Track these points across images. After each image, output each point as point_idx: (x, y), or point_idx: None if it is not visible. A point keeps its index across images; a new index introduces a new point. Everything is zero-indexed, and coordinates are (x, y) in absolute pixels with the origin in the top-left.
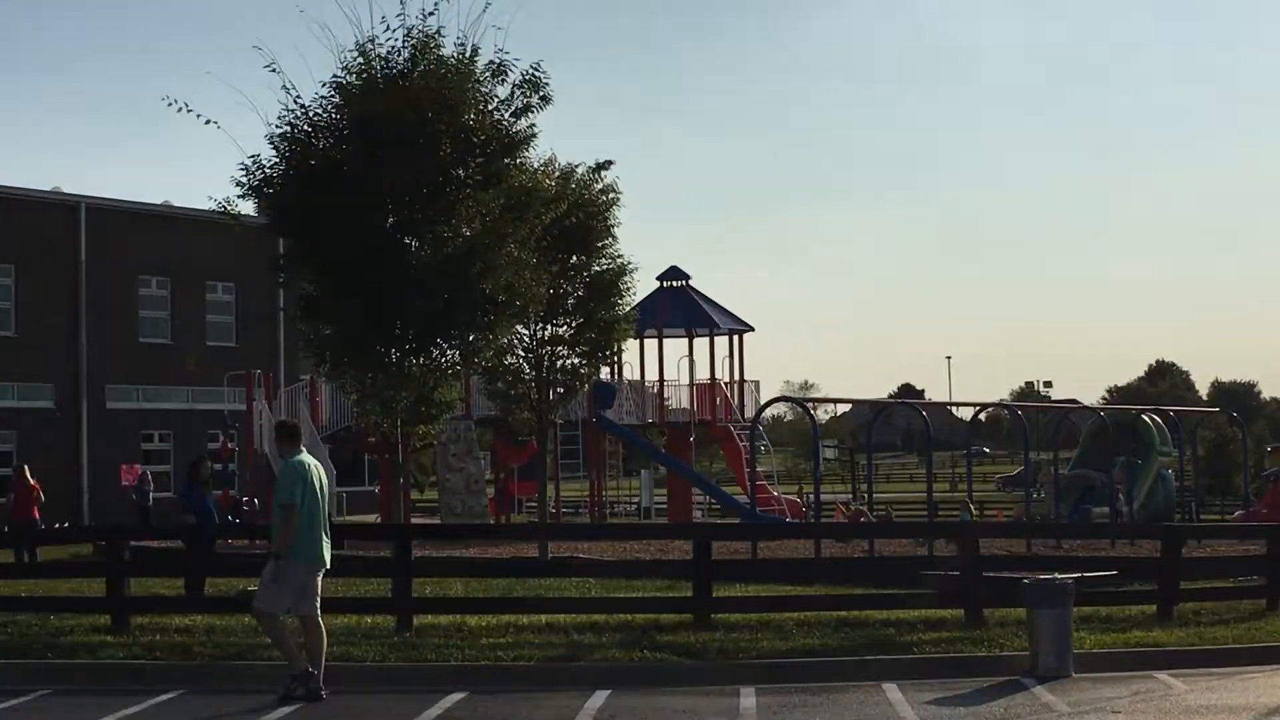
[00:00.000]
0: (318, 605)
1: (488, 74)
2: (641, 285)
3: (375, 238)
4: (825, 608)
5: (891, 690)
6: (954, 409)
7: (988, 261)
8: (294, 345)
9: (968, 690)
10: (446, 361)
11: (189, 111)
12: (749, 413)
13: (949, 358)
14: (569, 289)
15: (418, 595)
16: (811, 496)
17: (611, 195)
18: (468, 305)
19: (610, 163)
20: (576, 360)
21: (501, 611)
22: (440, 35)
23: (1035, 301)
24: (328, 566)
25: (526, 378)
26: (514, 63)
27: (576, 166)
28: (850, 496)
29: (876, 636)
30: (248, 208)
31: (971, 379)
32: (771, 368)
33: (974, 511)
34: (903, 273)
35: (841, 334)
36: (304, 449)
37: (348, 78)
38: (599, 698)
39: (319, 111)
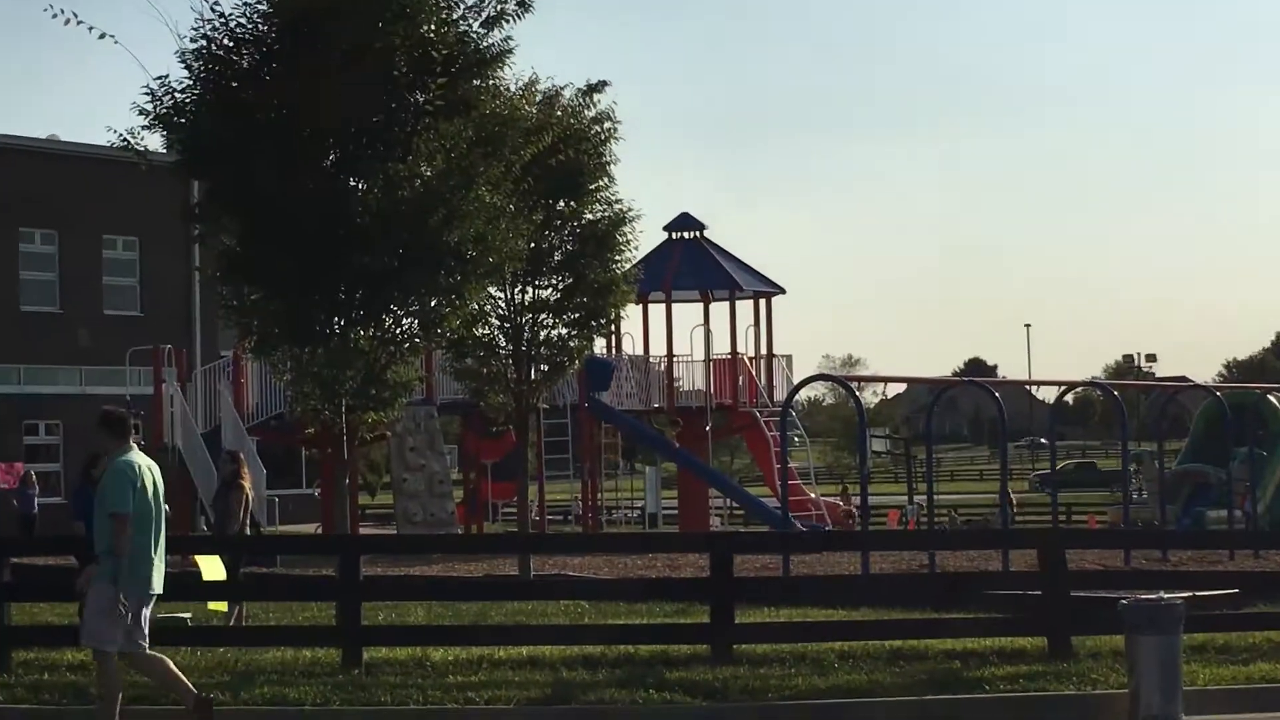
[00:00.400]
0: (145, 641)
1: None
2: (645, 237)
3: (312, 179)
4: (875, 636)
5: None
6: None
7: (1078, 207)
8: (212, 314)
9: None
10: (402, 333)
11: (79, 23)
12: (780, 395)
13: (1028, 326)
14: (555, 242)
15: (368, 623)
16: (857, 499)
17: (607, 125)
18: (428, 262)
19: (605, 84)
20: (564, 331)
21: (472, 643)
22: None
23: (1136, 257)
24: (158, 593)
25: (502, 352)
26: None
27: (563, 89)
28: (906, 499)
29: (938, 671)
30: (154, 142)
31: (1056, 353)
32: (807, 339)
33: (1012, 503)
34: (971, 221)
35: (894, 298)
36: (134, 445)
37: None
38: None
39: (241, 21)
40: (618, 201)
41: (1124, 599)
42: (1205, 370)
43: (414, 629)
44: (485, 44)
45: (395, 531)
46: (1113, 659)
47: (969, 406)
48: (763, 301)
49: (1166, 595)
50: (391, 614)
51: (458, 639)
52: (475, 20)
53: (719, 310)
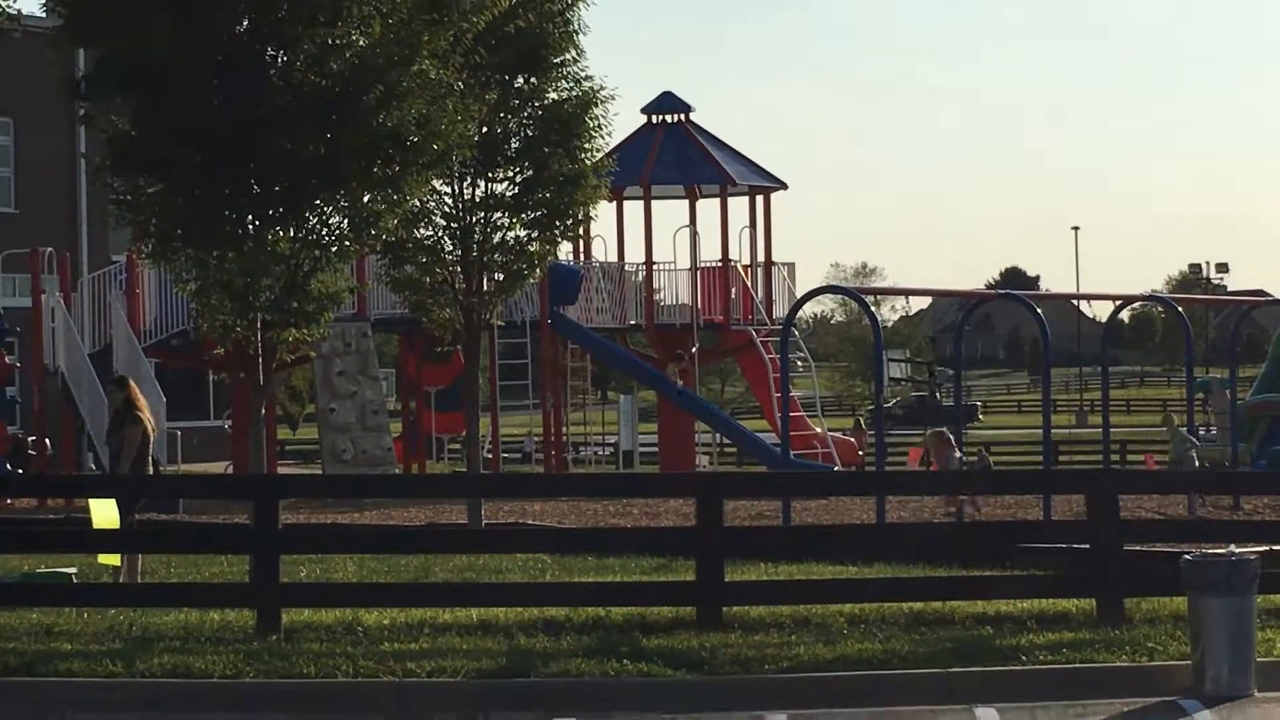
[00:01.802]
0: None
1: None
2: (620, 121)
3: (222, 47)
4: (892, 597)
5: (988, 717)
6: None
7: (1139, 87)
8: (102, 211)
9: (1101, 718)
10: (329, 234)
11: None
12: (780, 311)
13: (1076, 229)
14: (512, 127)
15: (288, 580)
16: (872, 434)
17: None
18: (361, 150)
19: None
20: (523, 233)
21: (413, 604)
22: None
23: (1205, 150)
24: None
25: (449, 258)
26: None
27: None
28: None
29: (966, 639)
30: (30, 3)
31: (1109, 261)
32: (813, 244)
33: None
34: (1009, 103)
35: (917, 194)
36: None
37: None
38: None
39: None
40: (587, 78)
41: (1187, 554)
42: None
43: (342, 587)
44: None
45: (320, 471)
46: (1173, 624)
47: (1006, 325)
48: (760, 198)
49: (1238, 550)
50: (316, 569)
51: (395, 599)
52: None
53: (708, 209)
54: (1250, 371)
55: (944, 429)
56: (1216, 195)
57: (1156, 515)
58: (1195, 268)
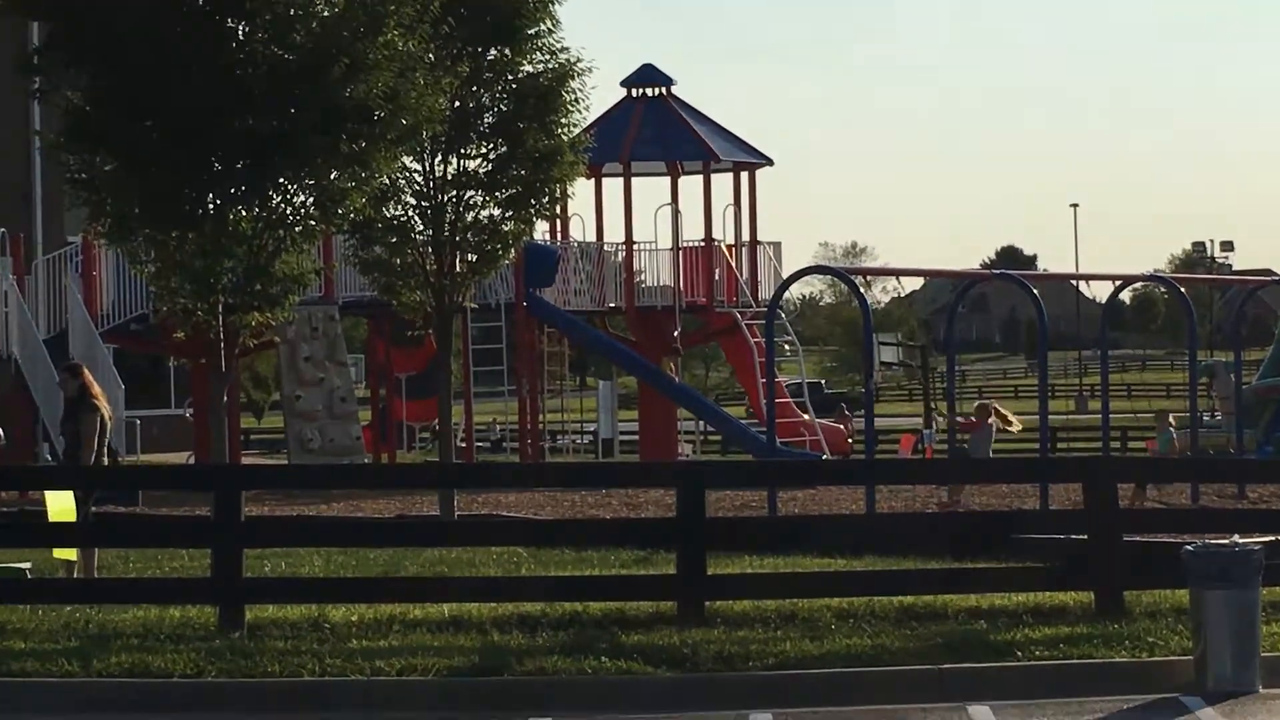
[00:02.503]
0: None
1: None
2: (599, 95)
3: (180, 19)
4: (881, 590)
5: (982, 715)
6: (1083, 285)
7: (1138, 59)
8: (57, 190)
9: (1100, 715)
10: (294, 213)
11: None
12: (766, 292)
13: (1075, 206)
14: (485, 100)
15: (253, 575)
16: (862, 420)
17: None
18: (326, 125)
19: None
20: (497, 212)
21: (382, 599)
22: None
23: (1210, 124)
24: None
25: (419, 238)
26: None
27: None
28: (921, 421)
29: (959, 634)
30: None
31: (1111, 240)
32: (800, 223)
33: (941, 418)
34: (1006, 77)
35: (909, 170)
36: None
37: None
38: None
39: None
40: (563, 50)
41: (1189, 544)
42: None
43: (309, 582)
44: None
45: (286, 461)
46: (1175, 618)
47: (1002, 307)
48: (745, 175)
49: (1241, 540)
50: (281, 564)
51: (363, 594)
52: None
53: (690, 186)
54: (1256, 355)
55: (991, 402)
56: (1221, 171)
57: (1157, 504)
58: (1199, 246)
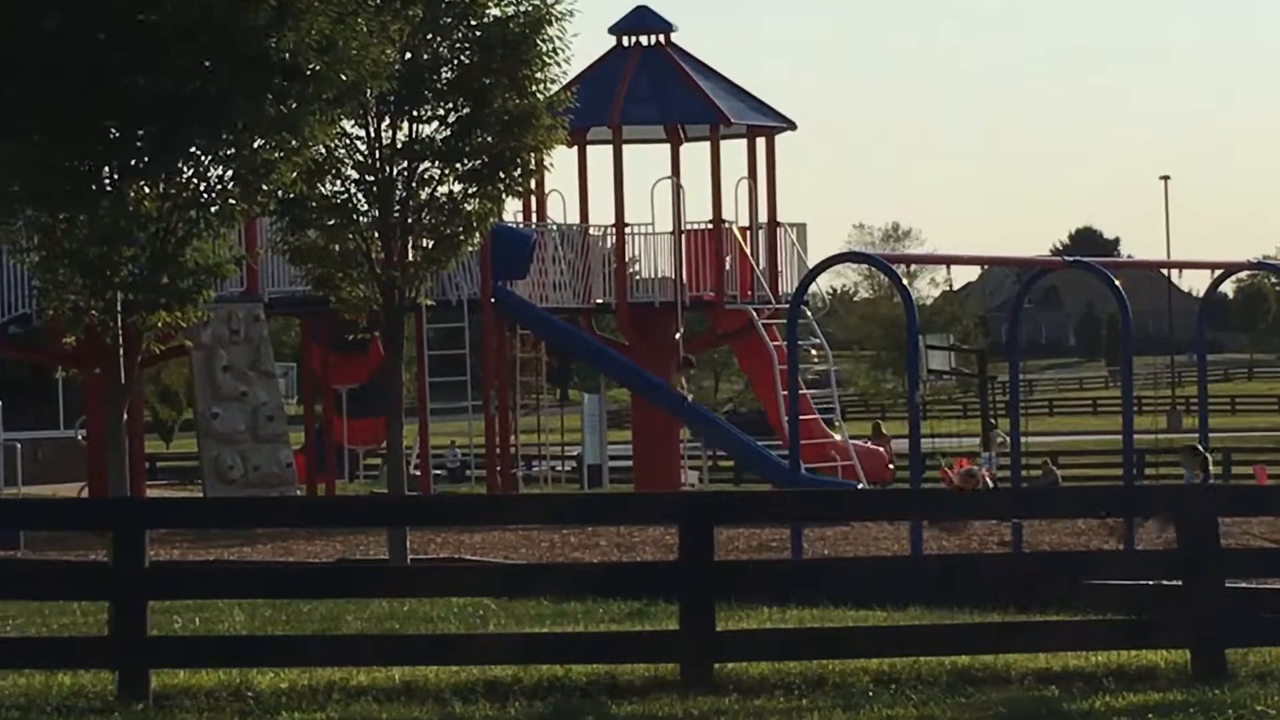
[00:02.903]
0: None
1: None
2: (582, 45)
3: None
4: (929, 649)
5: None
6: (1175, 274)
7: (1239, 5)
8: None
9: None
10: (208, 189)
11: None
12: (788, 285)
13: (1166, 180)
14: (443, 52)
15: (159, 634)
16: (907, 441)
17: None
18: (248, 84)
19: None
20: (458, 188)
21: (318, 662)
22: None
23: None
24: None
25: (363, 221)
26: None
27: None
28: (979, 441)
29: (1025, 701)
30: None
31: (1209, 220)
32: (830, 200)
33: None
34: (1085, 27)
35: (962, 138)
36: None
37: None
38: None
39: None
40: None
41: None
42: None
43: (228, 641)
44: None
45: (200, 494)
46: None
47: (1076, 302)
48: (761, 142)
49: None
50: (195, 619)
51: (295, 656)
52: None
53: (694, 155)
54: None
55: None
56: None
57: (1268, 542)
58: None
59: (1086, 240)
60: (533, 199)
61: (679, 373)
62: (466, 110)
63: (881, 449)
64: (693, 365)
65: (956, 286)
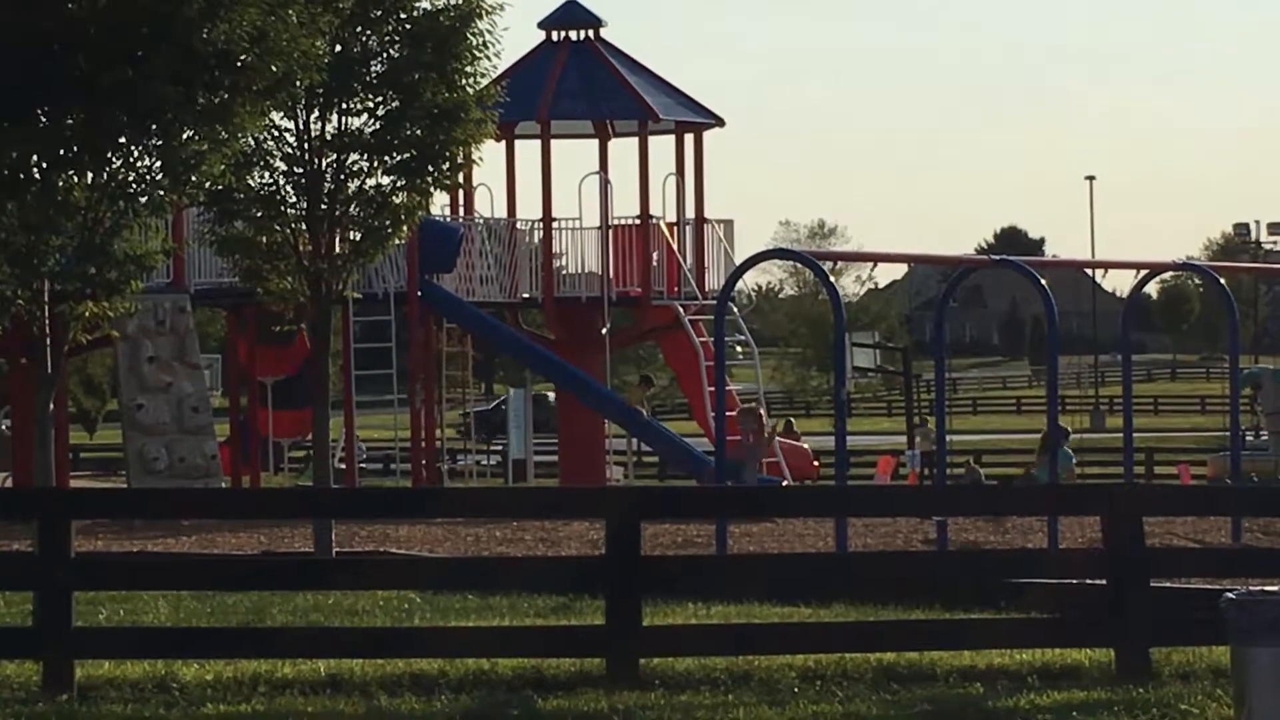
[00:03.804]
0: None
1: None
2: (512, 39)
3: None
4: (856, 646)
5: None
6: (1099, 274)
7: (1169, 6)
8: None
9: None
10: (137, 180)
11: None
12: (715, 282)
13: (1091, 179)
14: (372, 45)
15: (84, 625)
16: (833, 438)
17: None
18: (178, 73)
19: None
20: (386, 180)
21: (243, 654)
22: None
23: (1255, 83)
24: None
25: (291, 213)
26: None
27: None
28: (904, 439)
29: (950, 699)
30: None
31: (1134, 220)
32: (757, 197)
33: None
34: (1010, 25)
35: (889, 136)
36: None
37: None
38: None
39: None
40: None
41: (1230, 592)
42: None
43: (153, 632)
44: None
45: (126, 485)
46: (1212, 681)
47: (1001, 301)
48: (689, 138)
49: None
50: (120, 610)
51: (220, 648)
52: None
53: (623, 151)
54: None
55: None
56: (1269, 138)
57: (1191, 543)
58: (1241, 229)
59: (1012, 240)
60: (460, 193)
61: (639, 389)
62: (395, 103)
63: (804, 445)
64: (652, 384)
65: (882, 284)
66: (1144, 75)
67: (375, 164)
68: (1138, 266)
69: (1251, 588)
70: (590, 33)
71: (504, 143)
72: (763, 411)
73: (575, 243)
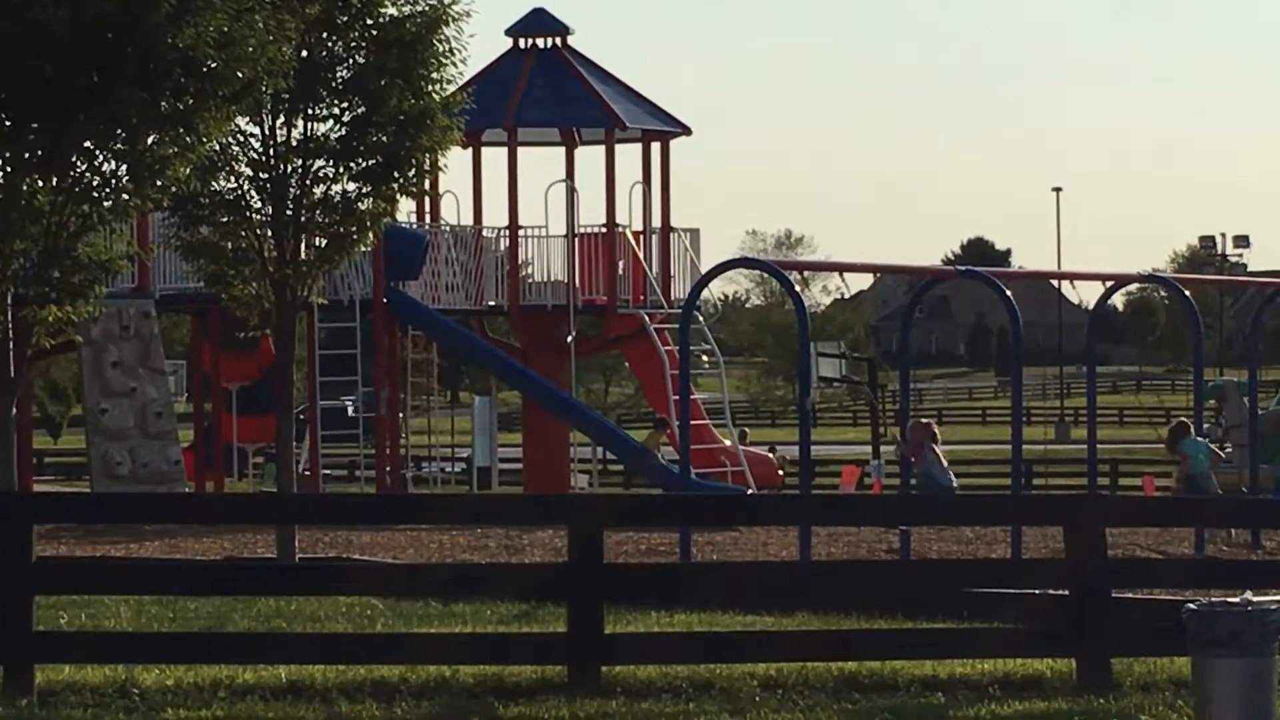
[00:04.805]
0: None
1: None
2: (479, 46)
3: None
4: (817, 655)
5: None
6: (1066, 286)
7: (1135, 20)
8: None
9: None
10: (102, 184)
11: None
12: (680, 290)
13: (1057, 191)
14: (338, 50)
15: (44, 629)
16: (795, 448)
17: None
18: (143, 77)
19: None
20: (352, 186)
21: (204, 659)
22: None
23: (1221, 97)
24: None
25: (256, 218)
26: None
27: None
28: (869, 449)
29: (911, 708)
30: None
31: (1100, 232)
32: (724, 206)
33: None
34: (977, 38)
35: (856, 146)
36: None
37: None
38: None
39: None
40: None
41: (1191, 602)
42: None
43: (114, 637)
44: None
45: (89, 489)
46: (1173, 691)
47: (967, 312)
48: (655, 146)
49: (1255, 598)
50: (81, 615)
51: (181, 654)
52: None
53: (589, 159)
54: (1274, 374)
55: (928, 420)
56: (1235, 153)
57: (1153, 554)
58: (1207, 241)
59: (978, 251)
60: (427, 200)
61: (656, 433)
62: (362, 109)
63: (770, 455)
64: (668, 426)
65: (849, 294)
66: (1111, 87)
67: (341, 170)
68: (1104, 278)
69: (1213, 599)
70: (557, 40)
71: (470, 150)
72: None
73: (541, 250)
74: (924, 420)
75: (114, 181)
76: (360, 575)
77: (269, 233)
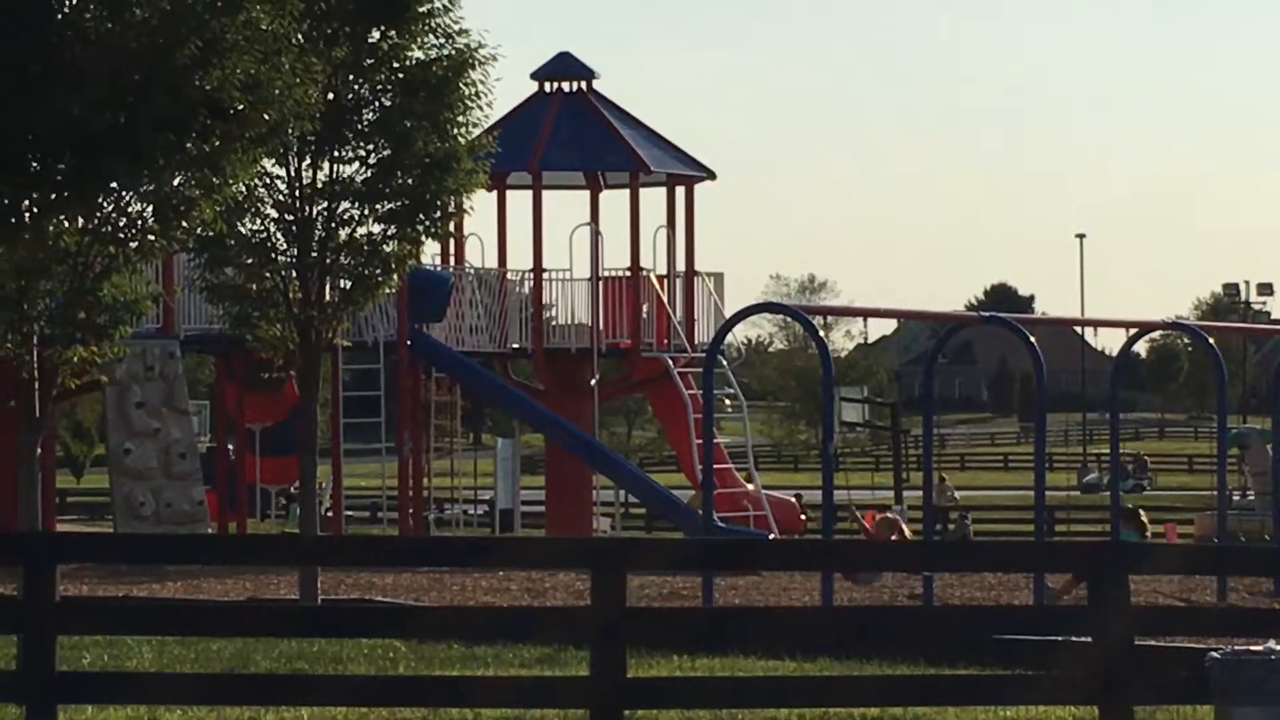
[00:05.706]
0: None
1: None
2: (505, 89)
3: None
4: (840, 701)
5: None
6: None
7: (1157, 68)
8: None
9: None
10: (128, 225)
11: None
12: (705, 334)
13: (1081, 238)
14: (365, 93)
15: (67, 669)
16: (820, 493)
17: None
18: (170, 119)
19: None
20: (377, 229)
21: (227, 700)
22: None
23: (1245, 143)
24: None
25: (281, 260)
26: None
27: None
28: (891, 494)
29: None
30: None
31: (1124, 279)
32: (748, 250)
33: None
34: (1007, 81)
35: (880, 192)
36: None
37: None
38: None
39: None
40: (462, 33)
41: (1215, 651)
42: None
43: (137, 678)
44: None
45: (112, 530)
46: None
47: (990, 357)
48: (680, 190)
49: (1278, 646)
50: (104, 655)
51: (204, 694)
52: None
53: (614, 203)
54: None
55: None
56: (1260, 199)
57: (1177, 601)
58: (1231, 289)
59: (1002, 297)
60: (451, 242)
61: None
62: (387, 152)
63: (793, 500)
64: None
65: (872, 339)
66: (1137, 134)
67: (366, 212)
68: (1127, 325)
69: (1236, 647)
70: (583, 84)
71: (495, 193)
72: (903, 524)
73: (565, 294)
74: (890, 516)
75: (140, 222)
76: (383, 617)
77: (294, 274)
